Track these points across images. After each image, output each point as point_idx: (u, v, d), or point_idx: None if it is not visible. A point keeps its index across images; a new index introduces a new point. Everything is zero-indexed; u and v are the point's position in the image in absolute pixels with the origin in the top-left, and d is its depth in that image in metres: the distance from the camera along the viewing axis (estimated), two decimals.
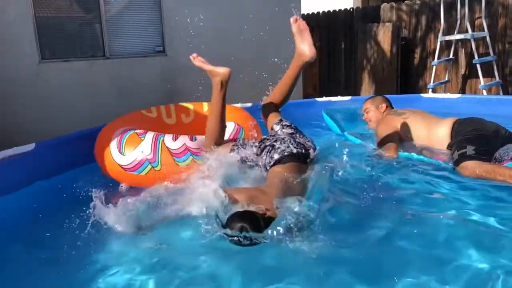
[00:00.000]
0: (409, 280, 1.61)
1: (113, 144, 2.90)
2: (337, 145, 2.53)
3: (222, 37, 6.38)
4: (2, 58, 5.20)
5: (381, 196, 2.33)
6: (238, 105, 4.01)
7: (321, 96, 5.08)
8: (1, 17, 5.18)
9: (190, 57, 2.70)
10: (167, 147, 2.82)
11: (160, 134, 2.94)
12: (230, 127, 3.07)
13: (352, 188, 2.33)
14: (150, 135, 2.91)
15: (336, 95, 5.15)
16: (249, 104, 4.32)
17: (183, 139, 2.88)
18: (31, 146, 3.03)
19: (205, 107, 3.51)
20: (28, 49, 5.36)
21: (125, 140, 2.89)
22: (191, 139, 2.90)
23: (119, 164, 2.85)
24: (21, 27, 5.29)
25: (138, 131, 2.99)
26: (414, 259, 1.76)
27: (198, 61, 2.69)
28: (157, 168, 2.80)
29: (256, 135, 3.07)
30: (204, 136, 2.82)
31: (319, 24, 9.39)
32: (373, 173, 2.60)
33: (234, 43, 6.38)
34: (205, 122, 2.82)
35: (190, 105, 3.56)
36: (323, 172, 2.15)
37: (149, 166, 2.81)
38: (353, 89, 8.67)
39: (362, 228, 2.01)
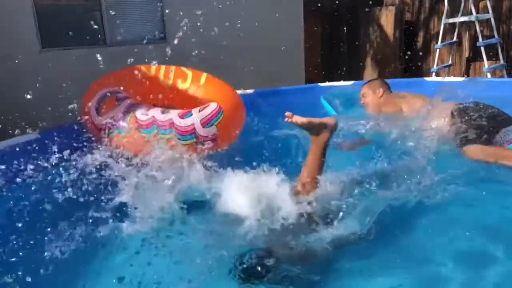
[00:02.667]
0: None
1: (93, 104, 3.02)
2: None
3: (226, 24, 6.31)
4: (3, 47, 5.19)
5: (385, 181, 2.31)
6: (240, 91, 3.97)
7: (324, 81, 5.04)
8: (1, 6, 5.15)
9: (287, 118, 2.06)
10: (135, 117, 2.90)
11: (136, 104, 3.00)
12: (211, 107, 3.01)
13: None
14: (126, 102, 2.98)
15: (339, 80, 5.11)
16: (250, 91, 4.27)
17: (154, 112, 2.93)
18: (35, 135, 3.03)
19: (202, 79, 3.41)
20: (28, 38, 5.34)
21: (103, 103, 3.01)
22: (162, 112, 2.93)
23: (94, 122, 2.98)
24: (21, 15, 5.26)
25: (119, 95, 3.04)
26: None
27: (298, 118, 2.04)
28: (123, 134, 2.91)
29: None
30: (176, 111, 2.89)
31: (321, 8, 9.28)
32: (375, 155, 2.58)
33: (236, 31, 6.32)
34: (201, 91, 3.14)
35: (189, 72, 3.48)
36: None
37: (116, 131, 2.91)
38: (356, 74, 8.61)
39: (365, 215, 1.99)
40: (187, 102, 3.33)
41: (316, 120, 2.01)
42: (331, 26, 9.17)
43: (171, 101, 3.29)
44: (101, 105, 3.02)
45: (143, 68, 3.46)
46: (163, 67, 3.49)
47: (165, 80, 3.43)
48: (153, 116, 2.89)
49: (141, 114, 2.92)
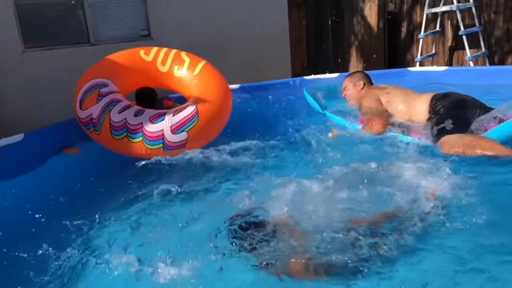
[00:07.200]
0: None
1: (79, 96, 3.10)
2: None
3: (208, 19, 6.30)
4: None
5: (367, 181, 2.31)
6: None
7: (310, 74, 5.06)
8: None
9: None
10: (109, 117, 2.94)
11: (115, 101, 3.02)
12: (187, 111, 2.97)
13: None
14: (105, 100, 3.01)
15: (325, 72, 5.13)
16: (236, 86, 4.26)
17: (127, 114, 2.95)
18: (19, 137, 3.00)
19: (197, 68, 3.37)
20: (11, 39, 5.26)
21: (86, 97, 3.05)
22: (135, 115, 2.94)
23: (77, 115, 3.08)
24: (2, 16, 5.18)
25: (103, 90, 3.07)
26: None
27: None
28: (98, 133, 3.00)
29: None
30: (149, 113, 2.96)
31: (306, 1, 9.30)
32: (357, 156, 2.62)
33: (221, 24, 6.32)
34: (193, 82, 3.23)
35: (187, 59, 3.42)
36: None
37: (92, 128, 3.00)
38: (341, 66, 8.65)
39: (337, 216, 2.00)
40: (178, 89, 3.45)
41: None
42: (315, 18, 9.18)
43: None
44: (85, 99, 3.05)
45: (141, 52, 3.42)
46: (162, 52, 3.43)
47: (161, 66, 3.40)
48: (125, 119, 2.91)
49: (115, 114, 2.94)
